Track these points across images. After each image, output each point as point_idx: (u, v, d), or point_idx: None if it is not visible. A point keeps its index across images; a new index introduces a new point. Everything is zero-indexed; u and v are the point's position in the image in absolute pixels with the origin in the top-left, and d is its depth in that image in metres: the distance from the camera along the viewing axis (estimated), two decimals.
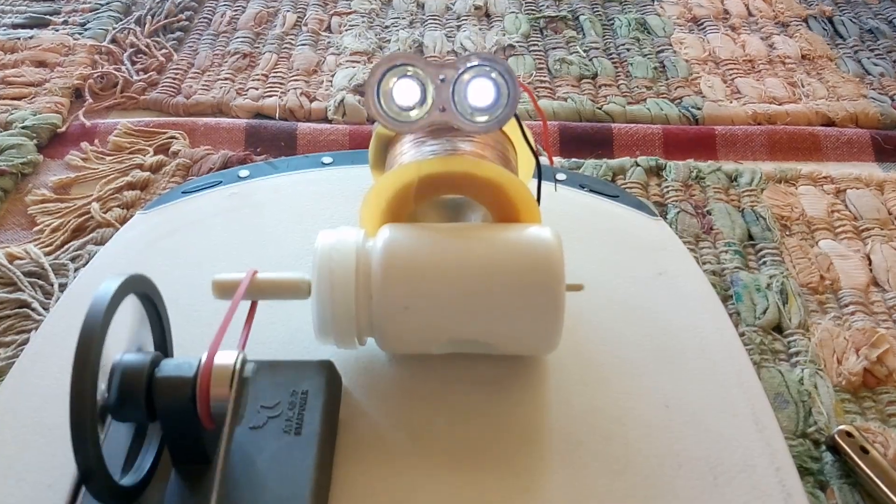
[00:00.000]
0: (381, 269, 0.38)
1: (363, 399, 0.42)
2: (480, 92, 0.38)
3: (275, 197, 0.58)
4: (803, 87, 0.85)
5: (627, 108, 0.78)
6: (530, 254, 0.39)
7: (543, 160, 0.48)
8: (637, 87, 0.83)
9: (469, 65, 0.37)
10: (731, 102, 0.81)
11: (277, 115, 0.76)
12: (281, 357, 0.43)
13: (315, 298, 0.38)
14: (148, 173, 0.64)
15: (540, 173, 0.46)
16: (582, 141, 0.72)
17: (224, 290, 0.40)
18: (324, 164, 0.62)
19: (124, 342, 0.35)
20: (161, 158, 0.67)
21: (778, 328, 0.51)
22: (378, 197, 0.42)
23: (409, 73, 0.39)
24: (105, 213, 0.60)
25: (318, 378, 0.38)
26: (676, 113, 0.77)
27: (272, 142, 0.71)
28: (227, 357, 0.33)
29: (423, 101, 0.39)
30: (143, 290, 0.33)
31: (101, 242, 0.57)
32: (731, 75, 0.86)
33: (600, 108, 0.78)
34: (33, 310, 0.50)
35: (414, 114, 0.39)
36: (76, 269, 0.54)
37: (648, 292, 0.49)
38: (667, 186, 0.65)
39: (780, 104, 0.81)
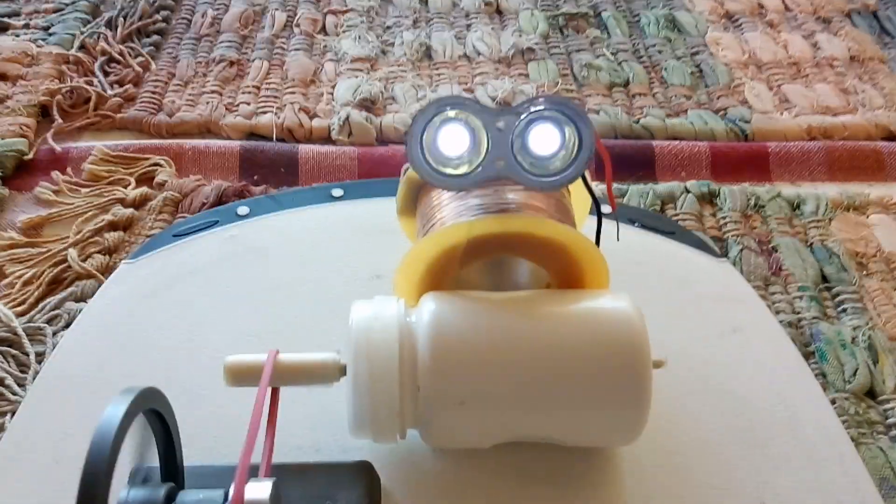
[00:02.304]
0: (430, 355, 0.34)
1: (406, 500, 0.38)
2: (545, 141, 0.34)
3: (280, 239, 0.54)
4: (857, 94, 0.81)
5: (667, 121, 0.74)
6: (610, 332, 0.35)
7: (605, 206, 0.44)
8: (675, 96, 0.79)
9: (534, 109, 0.33)
10: (781, 114, 0.77)
11: (274, 135, 0.71)
12: (303, 448, 0.39)
13: (352, 391, 0.34)
14: (131, 210, 0.60)
15: (600, 224, 0.42)
16: (621, 161, 0.68)
17: (240, 376, 0.36)
18: (334, 198, 0.58)
19: (126, 459, 0.31)
20: (145, 191, 0.62)
21: (870, 393, 0.48)
22: (418, 260, 0.38)
23: (455, 117, 0.35)
24: (84, 260, 0.55)
25: (356, 486, 0.35)
26: (723, 127, 0.73)
27: (271, 168, 0.67)
28: (258, 490, 0.29)
29: (473, 149, 0.35)
30: (152, 405, 0.29)
31: (82, 298, 0.52)
32: (776, 81, 0.82)
33: (637, 122, 0.74)
34: (6, 387, 0.46)
35: (464, 168, 0.35)
36: (55, 334, 0.49)
37: (723, 355, 0.46)
38: (723, 217, 0.62)
39: (834, 115, 0.77)
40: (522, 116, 0.33)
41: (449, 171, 0.35)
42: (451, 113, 0.34)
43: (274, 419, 0.35)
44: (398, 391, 0.34)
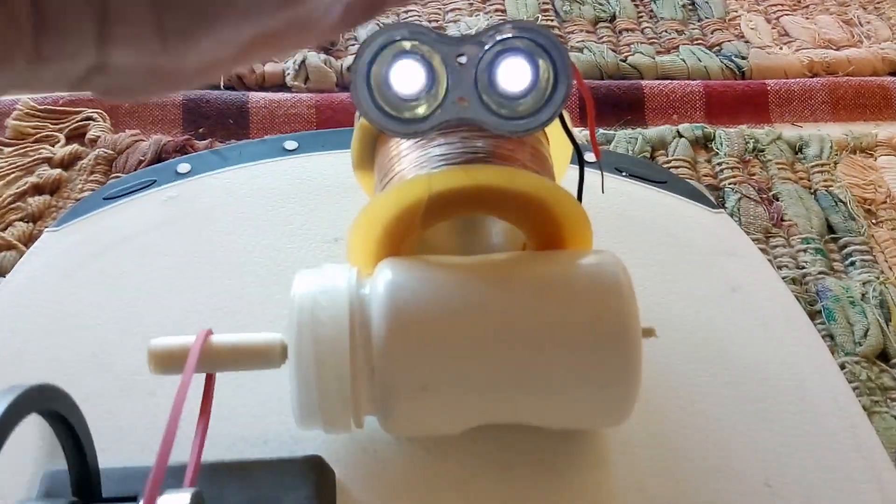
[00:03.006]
0: (386, 332, 0.30)
1: (364, 496, 0.34)
2: (514, 76, 0.30)
3: (226, 200, 0.50)
4: (862, 25, 0.77)
5: (658, 59, 0.70)
6: (591, 298, 0.31)
7: (588, 154, 0.40)
8: (665, 31, 0.75)
9: (500, 38, 0.29)
10: (780, 49, 0.73)
11: (222, 82, 0.67)
12: (249, 440, 0.36)
13: (295, 375, 0.30)
14: (59, 170, 0.55)
15: (582, 175, 0.38)
16: (606, 104, 0.64)
17: (165, 361, 0.32)
18: (287, 151, 0.54)
19: (26, 467, 0.27)
20: (76, 148, 0.57)
21: (883, 356, 0.44)
22: (373, 221, 0.34)
23: (409, 50, 0.30)
24: (4, 229, 0.51)
25: (306, 484, 0.31)
26: (717, 64, 0.69)
27: (218, 119, 0.62)
28: (174, 502, 0.25)
29: (430, 88, 0.31)
30: (48, 406, 0.25)
31: (2, 273, 0.48)
32: (775, 13, 0.78)
33: (624, 61, 0.69)
34: None
35: (421, 110, 0.31)
36: None
37: (723, 317, 0.42)
38: (719, 163, 0.58)
39: (838, 49, 0.73)
40: (487, 47, 0.29)
41: (404, 114, 0.31)
42: (405, 45, 0.30)
43: (207, 411, 0.31)
44: (349, 375, 0.30)
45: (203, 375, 0.32)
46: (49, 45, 0.19)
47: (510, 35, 0.29)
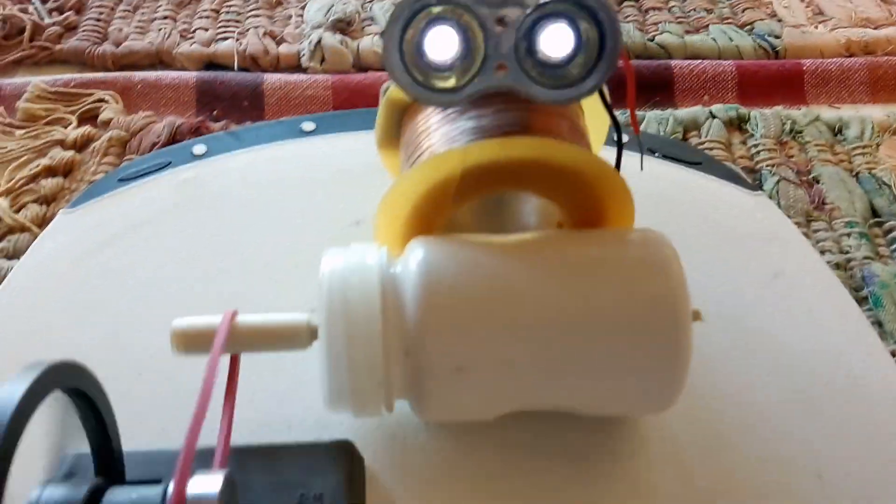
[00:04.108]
0: (420, 313, 0.29)
1: (394, 485, 0.33)
2: (557, 42, 0.29)
3: (243, 182, 0.49)
4: None
5: (686, 38, 0.69)
6: (641, 279, 0.30)
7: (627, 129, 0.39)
8: (694, 9, 0.73)
9: (544, 1, 0.28)
10: (815, 27, 0.72)
11: (236, 64, 0.66)
12: (273, 425, 0.35)
13: (326, 358, 0.30)
14: (72, 152, 0.54)
15: (620, 152, 0.37)
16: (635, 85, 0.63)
17: (190, 342, 0.31)
18: (304, 133, 0.53)
19: (45, 446, 0.27)
20: (88, 130, 0.57)
21: None
22: (402, 199, 0.33)
23: (443, 15, 0.29)
24: (17, 211, 0.50)
25: (335, 470, 0.30)
26: (750, 44, 0.68)
27: (232, 101, 0.61)
28: (205, 485, 0.24)
29: (466, 55, 0.30)
30: (71, 384, 0.24)
31: (15, 255, 0.47)
32: None
33: (652, 40, 0.68)
34: None
35: (457, 78, 0.30)
36: None
37: (766, 304, 0.41)
38: (755, 145, 0.56)
39: (876, 27, 0.72)
40: (529, 10, 0.28)
41: (437, 83, 0.30)
42: (438, 9, 0.29)
43: (233, 393, 0.30)
44: (382, 357, 0.29)
45: (225, 357, 0.31)
46: None
47: None
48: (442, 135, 0.34)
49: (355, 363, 0.29)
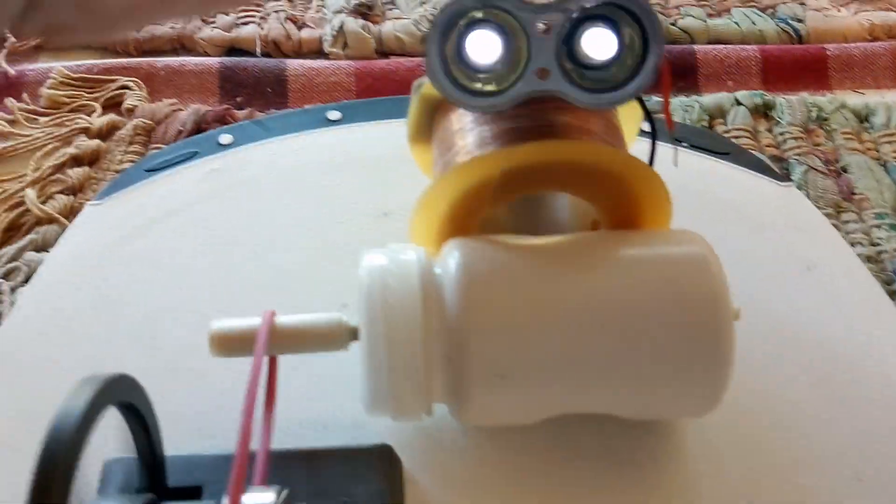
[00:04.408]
0: (462, 318, 0.29)
1: (432, 488, 0.33)
2: (600, 45, 0.29)
3: (270, 172, 0.48)
4: None
5: (709, 22, 0.68)
6: (683, 280, 0.30)
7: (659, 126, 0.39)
8: None
9: (587, 5, 0.28)
10: (838, 11, 0.71)
11: (258, 49, 0.65)
12: (306, 424, 0.35)
13: (367, 363, 0.29)
14: (97, 141, 0.54)
15: (654, 148, 0.36)
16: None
17: (229, 345, 0.31)
18: (330, 122, 0.52)
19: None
20: (112, 118, 0.56)
21: None
22: (439, 199, 0.32)
23: (486, 19, 0.29)
24: (44, 202, 0.50)
25: (376, 476, 0.30)
26: (773, 28, 0.67)
27: (255, 87, 0.61)
28: (258, 500, 0.24)
29: (507, 60, 0.29)
30: (124, 398, 0.24)
31: (43, 247, 0.47)
32: None
33: (674, 25, 0.67)
34: None
35: (498, 83, 0.29)
36: (13, 290, 0.44)
37: (799, 298, 0.41)
38: (781, 133, 0.56)
39: None
40: (574, 14, 0.28)
41: (480, 87, 0.29)
42: (481, 13, 0.28)
43: (272, 397, 0.30)
44: (423, 363, 0.29)
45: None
46: None
47: (600, 2, 0.27)
48: (477, 135, 0.34)
49: (396, 369, 0.29)
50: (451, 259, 0.30)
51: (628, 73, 0.29)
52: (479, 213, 0.33)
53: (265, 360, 0.31)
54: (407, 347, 0.29)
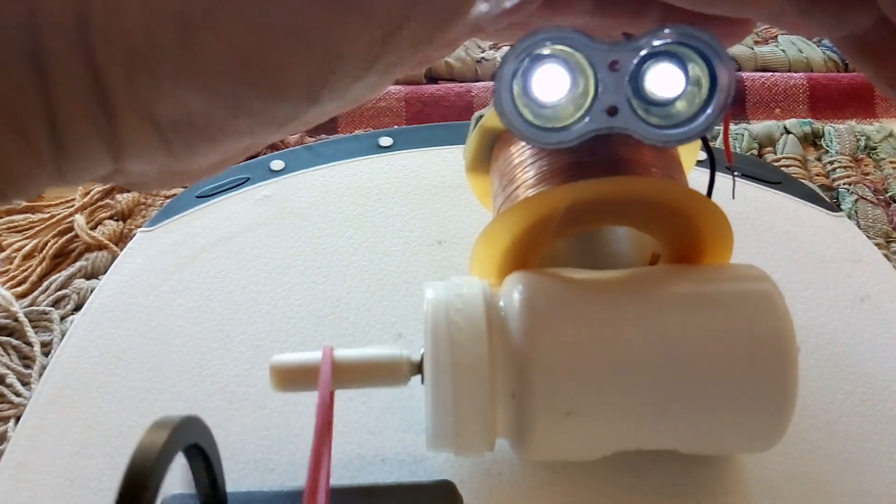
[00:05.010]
0: (529, 354, 0.28)
1: None
2: (666, 82, 0.28)
3: (322, 199, 0.48)
4: None
5: (756, 49, 0.67)
6: (747, 317, 0.29)
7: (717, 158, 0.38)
8: None
9: (657, 42, 0.27)
10: None
11: None
12: (365, 458, 0.35)
13: (431, 399, 0.29)
14: None
15: (712, 180, 0.36)
16: None
17: (291, 379, 0.31)
18: (382, 148, 0.52)
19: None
20: None
21: None
22: (503, 232, 0.32)
23: (554, 55, 0.29)
24: (94, 228, 0.50)
25: None
26: (819, 55, 0.66)
27: None
28: None
29: (573, 95, 0.29)
30: (190, 441, 0.24)
31: (94, 274, 0.47)
32: None
33: None
34: (8, 386, 0.40)
35: (565, 119, 0.29)
36: (63, 318, 0.44)
37: (853, 329, 0.40)
38: (830, 161, 0.55)
39: None
40: (644, 53, 0.27)
41: (547, 124, 0.29)
42: (551, 49, 0.28)
43: (330, 434, 0.30)
44: (489, 399, 0.29)
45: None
46: (68, 168, 0.21)
47: (669, 40, 0.27)
48: (538, 168, 0.33)
49: (462, 406, 0.29)
50: (515, 293, 0.30)
51: (696, 109, 0.28)
52: (541, 246, 0.33)
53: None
54: (473, 384, 0.29)
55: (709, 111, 0.28)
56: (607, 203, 0.31)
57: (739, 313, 0.29)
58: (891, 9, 0.21)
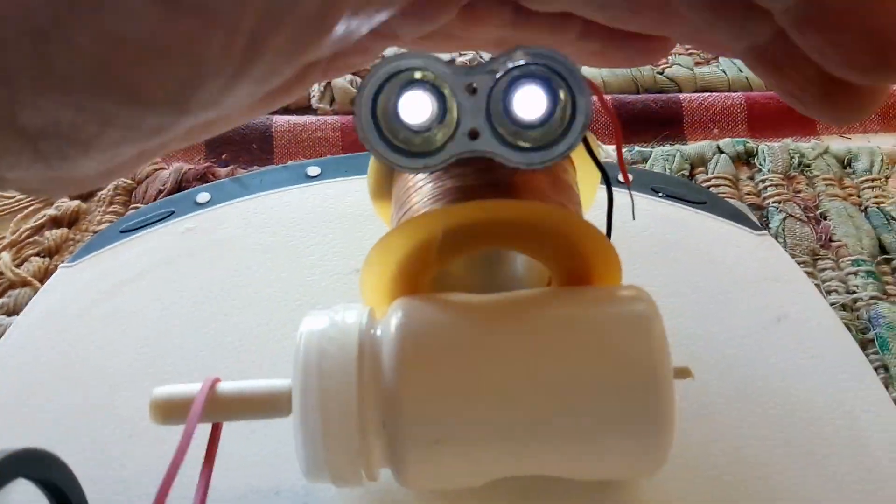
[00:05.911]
0: (396, 382, 0.28)
1: None
2: (530, 105, 0.28)
3: (245, 230, 0.48)
4: None
5: (696, 70, 0.67)
6: (616, 339, 0.29)
7: (615, 179, 0.38)
8: None
9: (512, 64, 0.27)
10: None
11: None
12: (261, 491, 0.34)
13: (300, 428, 0.29)
14: (77, 202, 0.54)
15: (611, 203, 0.35)
16: (643, 120, 0.62)
17: (168, 412, 0.31)
18: (309, 178, 0.52)
19: None
20: None
21: None
22: (386, 258, 0.32)
23: (418, 80, 0.28)
24: (19, 265, 0.50)
25: None
26: None
27: (242, 144, 0.61)
28: None
29: (441, 119, 0.29)
30: (38, 474, 0.23)
31: (15, 311, 0.46)
32: None
33: (661, 73, 0.67)
34: None
35: (431, 142, 0.29)
36: None
37: (768, 350, 0.40)
38: (763, 180, 0.55)
39: None
40: (499, 75, 0.27)
41: (414, 148, 0.29)
42: (413, 75, 0.28)
43: (210, 463, 0.29)
44: (358, 429, 0.28)
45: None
46: None
47: (523, 62, 0.27)
48: (426, 193, 0.33)
49: (330, 436, 0.28)
50: (393, 319, 0.30)
51: (559, 133, 0.28)
52: (427, 271, 0.32)
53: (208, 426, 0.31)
54: (341, 414, 0.28)
55: (569, 135, 0.28)
56: (484, 227, 0.31)
57: (611, 335, 0.29)
58: (785, 20, 0.21)
